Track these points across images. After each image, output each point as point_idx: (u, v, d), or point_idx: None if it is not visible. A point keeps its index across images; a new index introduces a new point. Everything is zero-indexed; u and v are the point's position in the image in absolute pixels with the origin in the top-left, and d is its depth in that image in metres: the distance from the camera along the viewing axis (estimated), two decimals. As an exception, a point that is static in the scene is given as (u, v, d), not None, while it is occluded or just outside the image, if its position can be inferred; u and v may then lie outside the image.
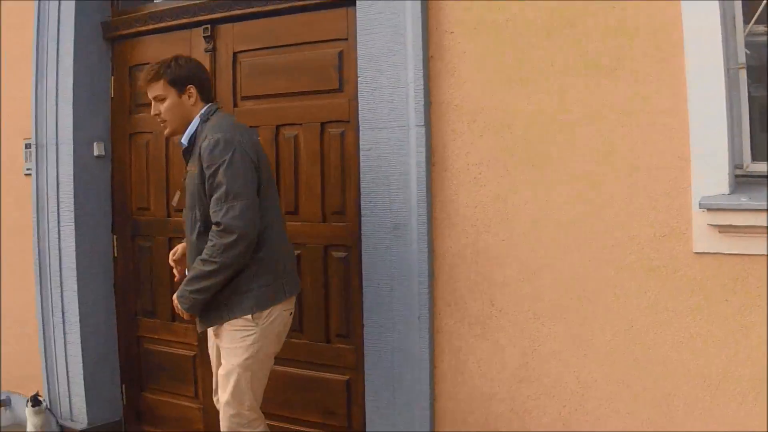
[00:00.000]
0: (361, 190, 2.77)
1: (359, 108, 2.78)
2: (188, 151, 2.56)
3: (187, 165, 2.58)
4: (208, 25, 3.38)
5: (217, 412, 2.63)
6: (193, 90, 2.57)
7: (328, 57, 3.04)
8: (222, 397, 2.52)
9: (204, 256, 2.41)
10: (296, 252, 3.03)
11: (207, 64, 3.34)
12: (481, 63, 2.59)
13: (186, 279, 2.51)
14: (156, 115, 2.59)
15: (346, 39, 2.98)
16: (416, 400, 2.74)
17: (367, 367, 2.84)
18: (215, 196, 2.39)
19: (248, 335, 2.44)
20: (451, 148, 2.62)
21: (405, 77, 2.69)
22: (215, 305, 2.47)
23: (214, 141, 2.42)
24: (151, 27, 3.61)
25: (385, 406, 2.81)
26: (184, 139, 2.57)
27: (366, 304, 2.81)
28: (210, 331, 2.62)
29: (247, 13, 3.27)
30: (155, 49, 3.59)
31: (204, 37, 3.40)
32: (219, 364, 2.62)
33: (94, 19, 3.77)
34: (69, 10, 3.72)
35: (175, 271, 2.76)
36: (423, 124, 2.62)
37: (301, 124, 3.09)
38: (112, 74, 3.80)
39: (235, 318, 2.45)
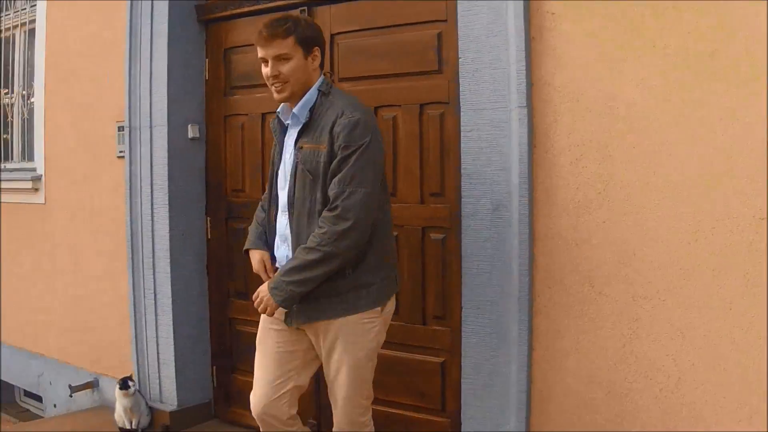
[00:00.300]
0: (462, 171, 3.21)
1: (460, 89, 3.22)
2: (303, 125, 2.68)
3: (297, 139, 2.69)
4: (305, 7, 3.88)
5: (304, 395, 2.99)
6: (318, 54, 2.72)
7: (426, 38, 3.50)
8: (340, 392, 2.76)
9: (310, 244, 2.57)
10: (394, 233, 3.51)
11: (304, 46, 3.86)
12: (583, 44, 2.99)
13: (284, 269, 2.64)
14: (274, 76, 2.65)
15: (445, 20, 3.42)
16: (513, 383, 3.16)
17: (463, 349, 3.28)
18: (339, 176, 2.56)
19: (373, 327, 2.71)
20: (553, 129, 3.03)
21: (506, 58, 3.11)
22: (335, 298, 2.66)
23: (354, 120, 2.58)
24: (246, 9, 4.15)
25: (481, 389, 3.24)
26: (299, 110, 2.69)
27: (464, 286, 3.26)
28: (289, 332, 2.80)
29: (343, -6, 3.77)
30: (250, 32, 4.09)
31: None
32: (297, 366, 2.83)
33: (188, 2, 4.34)
34: None
35: (264, 277, 2.85)
36: (525, 105, 3.04)
37: (399, 106, 3.56)
38: (207, 57, 4.37)
39: (363, 311, 2.68)
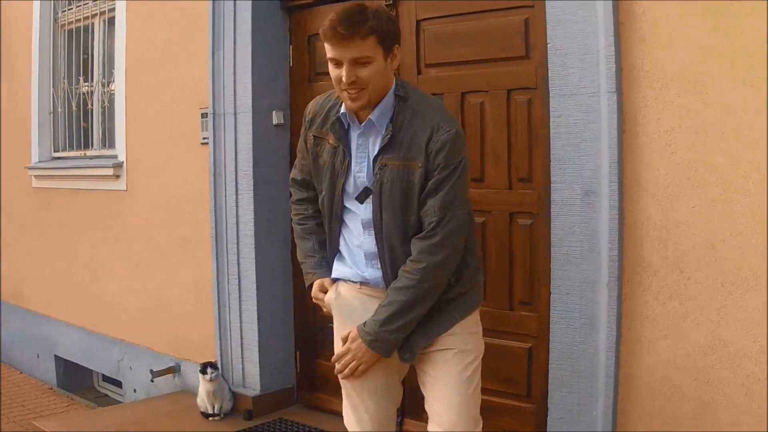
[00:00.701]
0: (551, 156, 3.47)
1: (549, 75, 3.48)
2: (383, 138, 2.57)
3: (378, 155, 2.59)
4: (391, -7, 4.18)
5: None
6: (397, 53, 2.56)
7: (513, 24, 3.76)
8: (465, 389, 2.65)
9: (407, 282, 2.53)
10: (481, 219, 3.80)
11: (390, 32, 4.16)
12: (673, 29, 3.21)
13: (381, 317, 2.56)
14: (351, 83, 2.47)
15: (532, 6, 3.67)
16: (600, 368, 3.41)
17: (551, 335, 3.55)
18: (437, 200, 2.51)
19: (476, 322, 2.77)
20: (642, 115, 3.27)
21: (595, 43, 3.36)
22: (447, 310, 2.65)
23: (453, 136, 2.50)
24: (329, -4, 4.47)
25: (569, 374, 3.50)
26: (379, 120, 2.58)
27: (553, 272, 3.52)
28: (390, 358, 2.66)
29: (430, -20, 4.05)
30: (336, 17, 4.44)
31: (386, 5, 4.20)
32: (391, 391, 2.78)
33: (273, -11, 4.69)
34: None
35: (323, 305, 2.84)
36: (614, 90, 3.28)
37: (487, 92, 3.84)
38: (290, 43, 4.71)
39: (474, 309, 2.74)
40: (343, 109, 2.60)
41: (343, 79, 2.45)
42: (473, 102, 3.90)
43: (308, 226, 2.85)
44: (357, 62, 2.44)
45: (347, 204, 2.67)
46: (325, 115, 2.69)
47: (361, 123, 2.60)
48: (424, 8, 4.09)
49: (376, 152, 2.58)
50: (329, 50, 2.47)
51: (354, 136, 2.63)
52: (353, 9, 2.42)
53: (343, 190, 2.65)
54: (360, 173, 2.62)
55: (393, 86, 2.57)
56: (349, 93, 2.49)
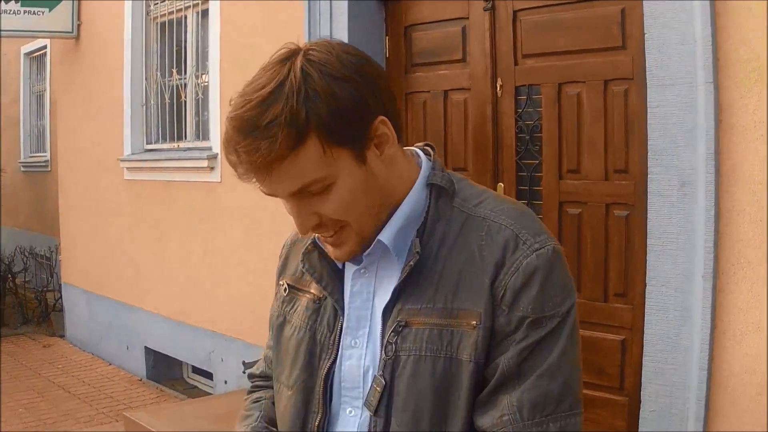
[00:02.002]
0: (649, 147, 3.71)
1: (647, 65, 3.72)
2: (404, 270, 1.47)
3: (391, 302, 1.48)
4: (487, -14, 4.48)
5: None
6: (384, 128, 1.44)
7: (610, 14, 4.01)
8: None
9: None
10: (577, 211, 4.07)
11: (486, 23, 4.48)
12: (773, 18, 3.42)
13: None
14: (316, 228, 1.47)
15: (629, -5, 3.93)
16: (694, 360, 3.63)
17: (646, 327, 3.78)
18: (519, 392, 1.41)
19: None
20: (738, 105, 3.49)
21: (692, 34, 3.58)
22: None
23: (549, 254, 1.43)
24: (426, -13, 4.80)
25: (662, 366, 3.74)
26: (395, 235, 1.49)
27: (649, 263, 3.75)
28: None
29: (526, -30, 4.33)
30: (431, 9, 4.78)
31: (481, -3, 4.51)
32: None
33: (367, -21, 5.04)
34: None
35: None
36: (711, 80, 3.51)
37: (584, 82, 4.10)
38: (387, 34, 5.05)
39: None
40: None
41: (298, 224, 1.45)
42: (570, 93, 4.16)
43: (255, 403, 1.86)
44: (305, 194, 1.40)
45: (333, 419, 1.56)
46: (304, 249, 1.60)
47: (362, 252, 1.51)
48: (521, -2, 4.38)
49: (388, 299, 1.47)
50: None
51: (349, 277, 1.55)
52: (254, 96, 1.34)
53: (328, 385, 1.55)
54: (355, 348, 1.52)
55: (423, 175, 1.53)
56: (323, 238, 1.52)
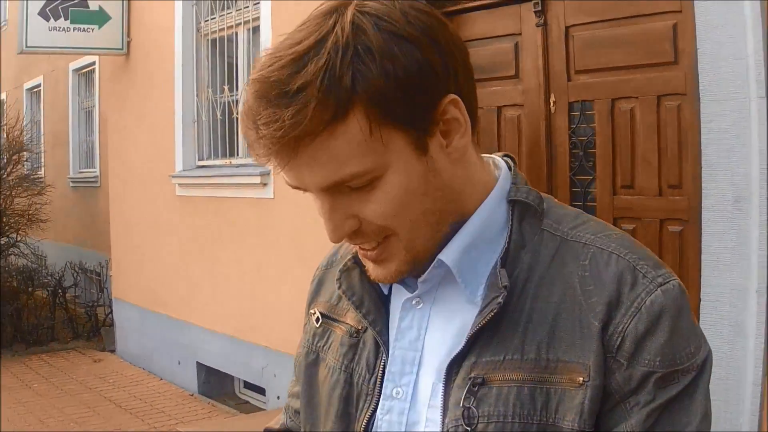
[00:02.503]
0: (702, 163, 3.81)
1: (699, 80, 3.83)
2: (488, 312, 1.13)
3: (467, 355, 1.15)
4: (539, 0, 4.61)
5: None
6: (455, 111, 1.11)
7: (661, 29, 4.12)
8: None
9: None
10: (631, 226, 4.18)
11: (538, 39, 4.61)
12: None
13: None
14: (353, 236, 1.16)
15: (680, 11, 4.03)
16: (748, 376, 3.71)
17: (700, 341, 3.87)
18: None
19: None
20: (793, 120, 3.59)
21: (744, 49, 3.67)
22: None
23: (674, 291, 1.13)
24: (478, 3, 4.95)
25: (714, 382, 3.80)
26: (462, 256, 1.18)
27: (703, 278, 3.85)
28: None
29: (577, -14, 4.46)
30: (483, 25, 4.93)
31: (534, 11, 4.64)
32: None
33: (419, -4, 5.19)
34: None
35: None
36: (764, 95, 3.60)
37: (636, 98, 4.22)
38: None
39: None
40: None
41: (328, 229, 1.15)
42: (623, 108, 4.28)
43: None
44: (342, 189, 1.10)
45: None
46: (342, 266, 1.31)
47: (418, 276, 1.20)
48: (573, 14, 4.50)
49: (460, 348, 1.15)
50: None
51: (398, 307, 1.24)
52: (285, 53, 1.05)
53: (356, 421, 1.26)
54: (396, 399, 1.21)
55: (501, 185, 1.22)
56: (362, 251, 1.21)
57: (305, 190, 1.12)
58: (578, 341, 1.09)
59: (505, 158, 1.27)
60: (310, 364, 1.34)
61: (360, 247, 1.19)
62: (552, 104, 4.56)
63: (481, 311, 1.13)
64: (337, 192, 1.10)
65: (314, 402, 1.32)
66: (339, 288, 1.28)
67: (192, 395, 7.86)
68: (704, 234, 3.83)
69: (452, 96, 1.09)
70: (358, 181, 1.08)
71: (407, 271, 1.17)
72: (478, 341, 1.13)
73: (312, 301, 1.41)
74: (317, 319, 1.36)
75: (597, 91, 4.39)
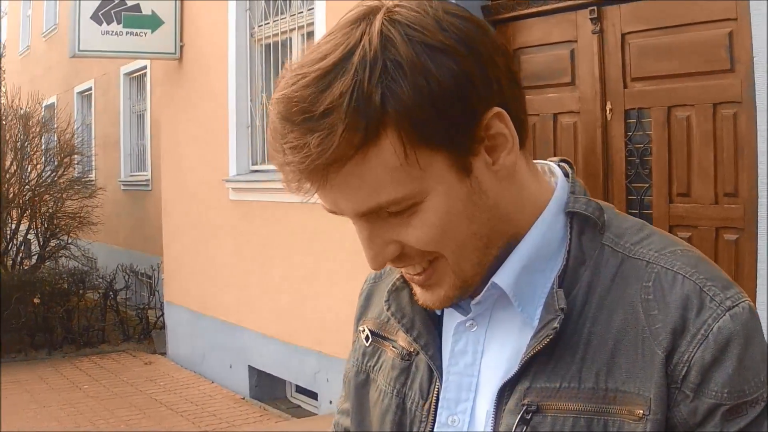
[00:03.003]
0: (759, 171, 3.90)
1: (756, 89, 3.91)
2: (543, 336, 1.08)
3: (520, 380, 1.10)
4: (594, 7, 4.72)
5: None
6: (502, 128, 1.05)
7: (717, 37, 4.22)
8: None
9: None
10: (687, 235, 4.27)
11: (594, 47, 4.72)
12: None
13: None
14: (396, 260, 1.10)
15: (736, 19, 4.12)
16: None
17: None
18: None
19: None
20: None
21: (801, 57, 3.77)
22: None
23: (744, 315, 1.05)
24: (534, 10, 5.07)
25: None
26: (518, 278, 1.12)
27: (759, 287, 3.93)
28: None
29: (634, -6, 4.56)
30: (540, 32, 5.05)
31: (590, 19, 4.75)
32: None
33: (474, 2, 5.32)
34: None
35: None
36: (820, 105, 3.70)
37: (692, 105, 4.31)
38: (493, 57, 5.33)
39: None
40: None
41: (368, 257, 1.10)
42: (679, 116, 4.38)
43: None
44: (381, 214, 1.05)
45: None
46: (391, 285, 1.26)
47: (472, 297, 1.15)
48: (629, 21, 4.60)
49: (513, 372, 1.10)
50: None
51: (450, 329, 1.19)
52: (310, 70, 0.99)
53: None
54: (452, 428, 1.17)
55: (554, 197, 1.16)
56: (408, 275, 1.16)
57: (343, 215, 1.07)
58: (640, 371, 1.03)
59: (562, 164, 1.21)
60: (360, 385, 1.30)
61: (405, 271, 1.14)
62: (608, 112, 4.66)
63: (536, 334, 1.07)
64: (376, 217, 1.05)
65: (365, 424, 1.28)
66: (388, 309, 1.22)
67: (243, 399, 8.03)
68: (760, 243, 3.92)
69: (496, 109, 1.02)
70: (397, 207, 1.02)
71: (457, 296, 1.12)
72: (532, 365, 1.08)
73: (361, 316, 1.35)
74: (366, 338, 1.30)
75: (653, 99, 4.49)
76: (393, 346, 1.25)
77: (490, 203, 1.07)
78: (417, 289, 1.15)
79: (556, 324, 1.05)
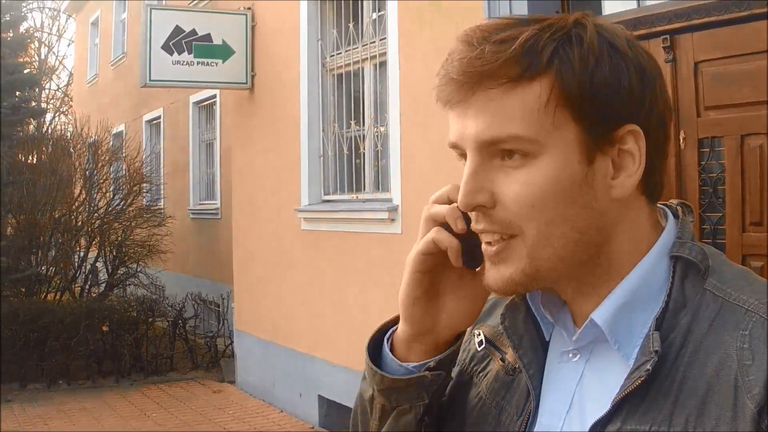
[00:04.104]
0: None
1: (830, 117, 4.07)
2: (638, 377, 1.09)
3: (612, 419, 1.11)
4: (667, 36, 4.89)
5: None
6: (634, 146, 1.14)
7: (791, 64, 4.36)
8: None
9: None
10: (759, 263, 4.40)
11: (667, 75, 4.89)
12: None
13: None
14: (475, 206, 1.15)
15: (809, 45, 4.27)
16: None
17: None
18: None
19: None
20: None
21: None
22: None
23: None
24: (617, 21, 5.24)
25: None
26: (613, 317, 1.16)
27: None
28: None
29: (706, 22, 4.72)
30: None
31: (663, 47, 4.92)
32: None
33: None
34: (521, 6, 5.48)
35: None
36: None
37: (765, 134, 4.45)
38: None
39: None
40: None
41: (462, 192, 1.15)
42: (753, 145, 4.52)
43: None
44: (494, 153, 1.13)
45: None
46: (510, 300, 1.31)
47: (577, 326, 1.22)
48: (702, 49, 4.77)
49: (605, 412, 1.12)
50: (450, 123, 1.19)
51: (555, 355, 1.26)
52: (506, 19, 1.15)
53: None
54: None
55: (660, 240, 1.19)
56: (485, 245, 1.18)
57: (462, 150, 1.15)
58: (730, 421, 1.02)
59: (681, 206, 1.24)
60: (461, 385, 1.36)
61: (485, 242, 1.17)
62: (682, 141, 4.81)
63: (629, 375, 1.10)
64: (489, 156, 1.12)
65: (455, 423, 1.34)
66: (502, 323, 1.28)
67: (313, 428, 8.22)
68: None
69: (636, 127, 1.11)
70: (514, 145, 1.10)
71: (522, 283, 1.15)
72: (624, 406, 1.10)
73: (479, 320, 1.36)
74: (480, 342, 1.35)
75: (726, 128, 4.63)
76: (501, 359, 1.29)
77: (593, 205, 1.12)
78: (487, 266, 1.19)
79: (648, 366, 1.07)
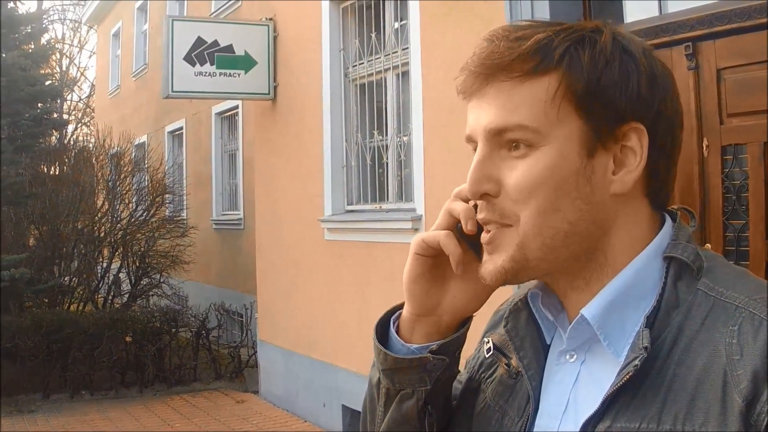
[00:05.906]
0: None
1: None
2: (626, 375, 1.13)
3: (602, 417, 1.15)
4: (690, 43, 4.94)
5: None
6: (636, 143, 1.19)
7: (816, 71, 4.41)
8: None
9: None
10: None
11: (690, 83, 4.94)
12: None
13: None
14: (481, 194, 1.22)
15: (835, 52, 4.31)
16: None
17: None
18: None
19: None
20: None
21: None
22: None
23: None
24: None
25: None
26: (604, 312, 1.19)
27: None
28: None
29: (728, 29, 4.76)
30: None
31: (686, 55, 4.97)
32: None
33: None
34: (543, 11, 5.54)
35: None
36: None
37: (790, 142, 4.50)
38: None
39: None
40: (533, 288, 1.33)
41: (470, 180, 1.23)
42: (776, 153, 4.57)
43: None
44: (502, 143, 1.21)
45: None
46: (513, 305, 1.37)
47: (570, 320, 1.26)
48: (725, 56, 4.80)
49: (595, 409, 1.16)
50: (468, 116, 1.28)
51: (554, 358, 1.30)
52: (527, 22, 1.25)
53: None
54: None
55: (655, 240, 1.22)
56: (485, 234, 1.24)
57: (475, 142, 1.23)
58: (719, 416, 1.05)
59: (682, 211, 1.28)
60: (469, 391, 1.41)
61: (484, 231, 1.23)
62: (705, 148, 4.84)
63: (619, 372, 1.13)
64: (497, 147, 1.20)
65: (462, 426, 1.39)
66: (505, 326, 1.33)
67: (336, 438, 8.28)
68: None
69: (640, 125, 1.17)
70: (519, 134, 1.17)
71: (511, 271, 1.19)
72: (615, 404, 1.13)
73: (490, 329, 1.42)
74: (489, 349, 1.38)
75: (750, 135, 4.66)
76: (506, 364, 1.33)
77: (592, 199, 1.17)
78: (484, 257, 1.24)
79: (637, 362, 1.10)
